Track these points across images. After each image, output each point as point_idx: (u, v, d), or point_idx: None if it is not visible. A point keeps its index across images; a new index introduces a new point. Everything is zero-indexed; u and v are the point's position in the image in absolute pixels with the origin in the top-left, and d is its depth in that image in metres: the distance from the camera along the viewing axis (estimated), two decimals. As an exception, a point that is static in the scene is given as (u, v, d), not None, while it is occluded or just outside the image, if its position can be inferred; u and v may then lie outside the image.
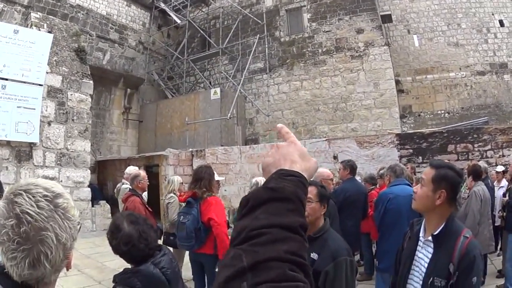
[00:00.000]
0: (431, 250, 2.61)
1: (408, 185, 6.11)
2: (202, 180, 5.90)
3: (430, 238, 2.61)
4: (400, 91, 18.73)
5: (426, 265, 2.56)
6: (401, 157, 11.50)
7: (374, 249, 8.22)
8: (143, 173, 7.35)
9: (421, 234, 2.71)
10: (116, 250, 2.78)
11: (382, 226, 6.06)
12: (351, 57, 19.13)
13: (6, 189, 1.34)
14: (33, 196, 1.25)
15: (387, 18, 19.99)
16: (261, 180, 6.51)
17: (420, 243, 2.70)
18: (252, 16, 22.37)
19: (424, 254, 2.63)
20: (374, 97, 18.32)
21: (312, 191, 3.30)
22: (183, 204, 6.80)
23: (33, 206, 1.23)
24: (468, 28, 19.31)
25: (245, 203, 1.05)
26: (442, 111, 18.40)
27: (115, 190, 8.98)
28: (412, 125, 18.19)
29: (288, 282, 0.84)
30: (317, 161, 4.51)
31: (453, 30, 19.35)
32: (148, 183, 7.38)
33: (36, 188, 1.28)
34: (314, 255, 3.11)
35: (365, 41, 19.06)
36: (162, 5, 24.90)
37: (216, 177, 6.30)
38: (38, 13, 17.34)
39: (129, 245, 2.76)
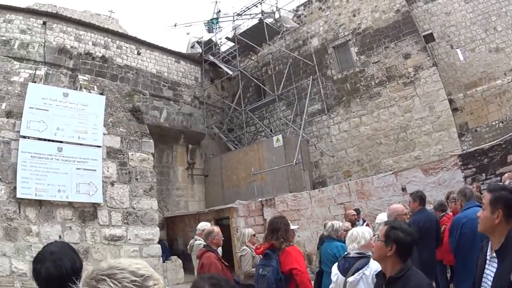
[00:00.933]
0: (495, 265, 2.91)
1: (479, 206, 6.31)
2: (279, 230, 6.15)
3: (494, 254, 2.93)
4: (454, 110, 19.21)
5: (491, 279, 2.86)
6: (465, 177, 11.78)
7: (448, 275, 8.65)
8: (217, 228, 7.65)
9: (488, 253, 3.02)
10: None
11: (458, 251, 6.49)
12: (404, 84, 20.10)
13: (85, 273, 1.35)
14: (119, 282, 1.25)
15: (429, 37, 20.90)
16: (336, 223, 7.60)
17: (487, 261, 3.02)
18: (301, 58, 23.97)
19: (490, 271, 2.93)
20: (432, 121, 18.96)
21: (382, 230, 3.63)
22: (256, 256, 7.49)
23: None
24: (504, 30, 19.71)
25: None
26: (496, 122, 18.64)
27: (188, 246, 9.37)
28: (470, 142, 18.56)
29: None
30: (387, 196, 11.29)
31: (491, 35, 19.91)
32: (223, 238, 7.70)
33: (121, 273, 1.29)
34: None
35: (413, 65, 19.94)
36: (211, 58, 26.95)
37: (291, 226, 6.52)
38: (86, 75, 19.13)
39: None
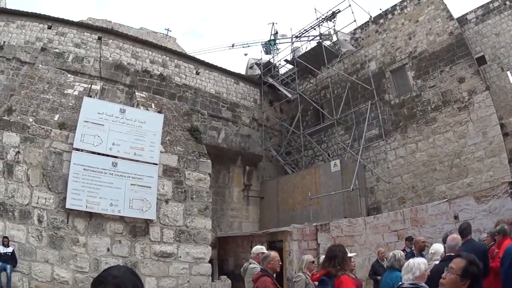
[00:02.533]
0: None
1: None
2: (336, 258, 6.37)
3: None
4: (505, 135, 19.07)
5: None
6: None
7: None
8: (274, 253, 7.69)
9: None
10: None
11: (507, 282, 6.76)
12: (458, 109, 20.32)
13: None
14: None
15: (481, 60, 21.03)
16: (398, 253, 7.60)
17: None
18: (359, 82, 24.65)
19: None
20: (484, 146, 18.96)
21: (459, 263, 3.68)
22: (309, 283, 7.66)
23: None
24: None
25: None
26: None
27: (242, 269, 9.20)
28: None
29: None
30: (440, 224, 12.27)
31: None
32: (280, 263, 7.72)
33: None
34: None
35: (468, 89, 20.18)
36: (270, 80, 28.13)
37: (349, 254, 6.87)
38: (144, 92, 20.07)
39: None
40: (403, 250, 9.79)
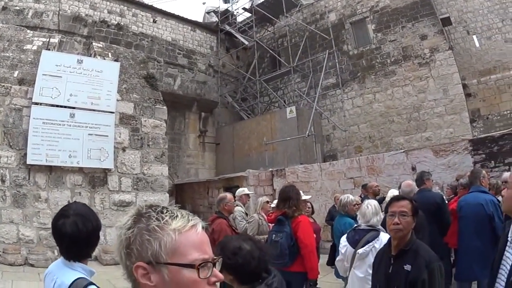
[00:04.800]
0: None
1: (484, 192, 6.77)
2: (291, 199, 6.27)
3: None
4: (467, 95, 19.17)
5: (510, 263, 2.73)
6: (475, 163, 11.76)
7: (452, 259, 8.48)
8: (229, 195, 7.75)
9: (509, 235, 2.89)
10: (237, 269, 2.73)
11: (458, 233, 6.83)
12: (419, 65, 20.21)
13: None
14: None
15: (446, 21, 20.45)
16: (345, 198, 7.56)
17: (508, 243, 2.88)
18: (318, 32, 24.10)
19: (510, 253, 2.80)
20: (445, 103, 19.14)
21: (407, 205, 3.71)
22: (262, 224, 7.86)
23: None
24: None
25: None
26: (508, 111, 18.59)
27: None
28: (481, 129, 18.44)
29: None
30: (397, 174, 11.83)
31: (508, 26, 19.77)
32: (235, 205, 7.95)
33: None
34: (407, 267, 3.49)
35: (430, 47, 20.04)
36: (228, 28, 27.27)
37: (303, 196, 6.80)
38: (101, 42, 19.14)
39: (253, 262, 2.82)
40: (360, 197, 9.55)
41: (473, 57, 20.12)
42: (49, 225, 9.34)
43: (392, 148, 19.37)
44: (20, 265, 11.94)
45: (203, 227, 1.43)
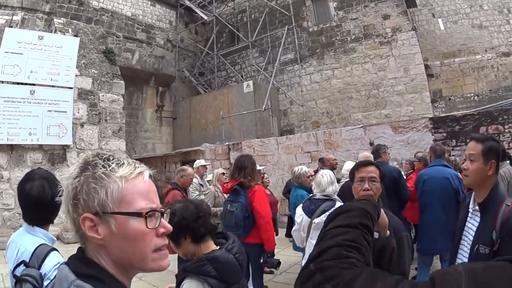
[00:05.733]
0: (478, 219, 2.85)
1: (446, 166, 6.72)
2: (246, 168, 6.26)
3: (477, 207, 2.86)
4: (429, 76, 19.18)
5: (473, 233, 2.78)
6: (435, 141, 11.57)
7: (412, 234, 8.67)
8: (190, 170, 7.85)
9: (470, 205, 2.92)
10: (188, 225, 2.80)
11: (420, 207, 6.71)
12: (380, 44, 19.98)
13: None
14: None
15: (411, 3, 20.04)
16: (298, 169, 7.65)
17: (469, 213, 2.92)
18: (278, 8, 23.56)
19: (472, 224, 2.85)
20: (405, 82, 19.01)
21: (375, 171, 3.56)
22: (218, 196, 7.78)
23: None
24: (490, 10, 19.73)
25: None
26: (472, 94, 18.93)
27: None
28: (443, 110, 18.55)
29: (342, 258, 1.18)
30: (355, 149, 11.54)
31: (476, 12, 19.60)
32: (191, 180, 7.90)
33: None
34: (375, 234, 3.36)
35: (392, 26, 19.74)
36: (187, 3, 26.47)
37: (257, 167, 6.72)
38: (62, 18, 18.64)
39: (199, 219, 2.88)
40: (316, 171, 9.20)
41: (437, 39, 20.16)
42: (12, 206, 13.42)
43: (350, 124, 18.99)
44: None
45: (150, 176, 1.40)
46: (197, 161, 9.78)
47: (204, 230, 2.92)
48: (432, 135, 12.05)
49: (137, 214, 1.26)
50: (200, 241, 2.91)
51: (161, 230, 1.33)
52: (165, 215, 1.36)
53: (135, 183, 1.30)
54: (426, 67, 19.12)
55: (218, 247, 2.93)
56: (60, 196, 2.25)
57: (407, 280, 1.08)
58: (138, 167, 1.35)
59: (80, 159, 1.34)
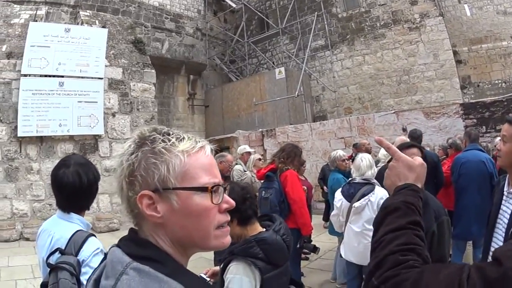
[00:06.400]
0: None
1: (481, 150, 6.95)
2: (283, 151, 6.49)
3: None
4: (458, 62, 19.37)
5: (508, 217, 2.68)
6: (466, 127, 11.66)
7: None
8: (230, 157, 8.02)
9: (505, 188, 2.85)
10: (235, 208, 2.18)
11: (457, 191, 6.87)
12: (409, 29, 20.44)
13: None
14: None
15: None
16: (334, 153, 7.88)
17: (504, 197, 2.84)
18: None
19: (507, 207, 2.77)
20: (435, 68, 19.39)
21: (418, 153, 3.68)
22: (255, 182, 7.83)
23: None
24: None
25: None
26: (499, 81, 18.88)
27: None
28: (472, 96, 18.72)
29: (400, 265, 1.24)
30: (387, 135, 12.09)
31: None
32: (234, 164, 8.17)
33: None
34: None
35: (420, 12, 20.13)
36: (215, -10, 26.55)
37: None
38: (87, 11, 19.15)
39: (247, 201, 2.97)
40: (351, 156, 9.60)
41: (463, 25, 20.26)
42: (43, 197, 13.73)
43: (382, 110, 19.48)
44: (15, 240, 12.33)
45: (211, 150, 1.40)
46: (241, 147, 9.76)
47: (251, 212, 3.03)
48: (463, 121, 12.30)
49: (202, 189, 1.26)
50: (246, 223, 3.00)
51: (224, 205, 1.33)
52: (226, 191, 1.36)
53: (197, 157, 1.29)
54: (455, 53, 19.49)
55: (264, 229, 3.02)
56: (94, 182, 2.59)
57: (468, 264, 1.18)
58: (199, 141, 1.34)
59: (134, 135, 1.33)
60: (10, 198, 13.35)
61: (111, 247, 1.25)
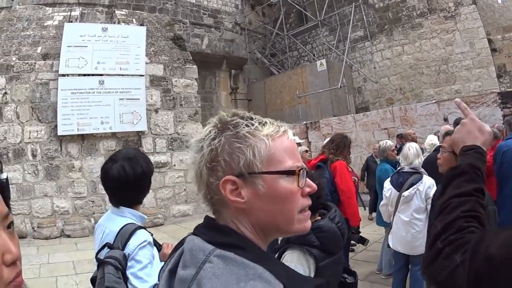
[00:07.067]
0: None
1: None
2: (333, 142, 6.64)
3: None
4: (493, 50, 19.48)
5: None
6: (504, 116, 11.56)
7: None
8: (301, 147, 8.02)
9: None
10: None
11: (499, 179, 6.64)
12: (445, 18, 20.72)
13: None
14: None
15: None
16: (383, 143, 7.97)
17: None
18: None
19: None
20: (472, 57, 19.64)
21: (448, 141, 3.52)
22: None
23: None
24: None
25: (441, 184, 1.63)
26: None
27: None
28: (508, 85, 18.68)
29: (464, 230, 1.35)
30: (430, 124, 13.14)
31: None
32: (309, 157, 8.10)
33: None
34: None
35: (454, 0, 20.41)
36: (252, -14, 27.25)
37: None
38: (123, 10, 19.72)
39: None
40: (395, 147, 9.42)
41: (496, 13, 20.58)
42: (85, 194, 13.49)
43: (422, 100, 19.67)
44: (56, 238, 12.87)
45: (293, 134, 1.32)
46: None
47: (319, 202, 3.03)
48: (501, 110, 12.48)
49: (289, 172, 1.27)
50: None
51: (307, 189, 1.33)
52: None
53: (282, 141, 1.29)
54: (489, 41, 19.70)
55: (320, 217, 3.06)
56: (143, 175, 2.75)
57: None
58: (281, 126, 1.34)
59: (213, 120, 1.35)
60: (50, 196, 13.96)
61: (188, 235, 1.29)
